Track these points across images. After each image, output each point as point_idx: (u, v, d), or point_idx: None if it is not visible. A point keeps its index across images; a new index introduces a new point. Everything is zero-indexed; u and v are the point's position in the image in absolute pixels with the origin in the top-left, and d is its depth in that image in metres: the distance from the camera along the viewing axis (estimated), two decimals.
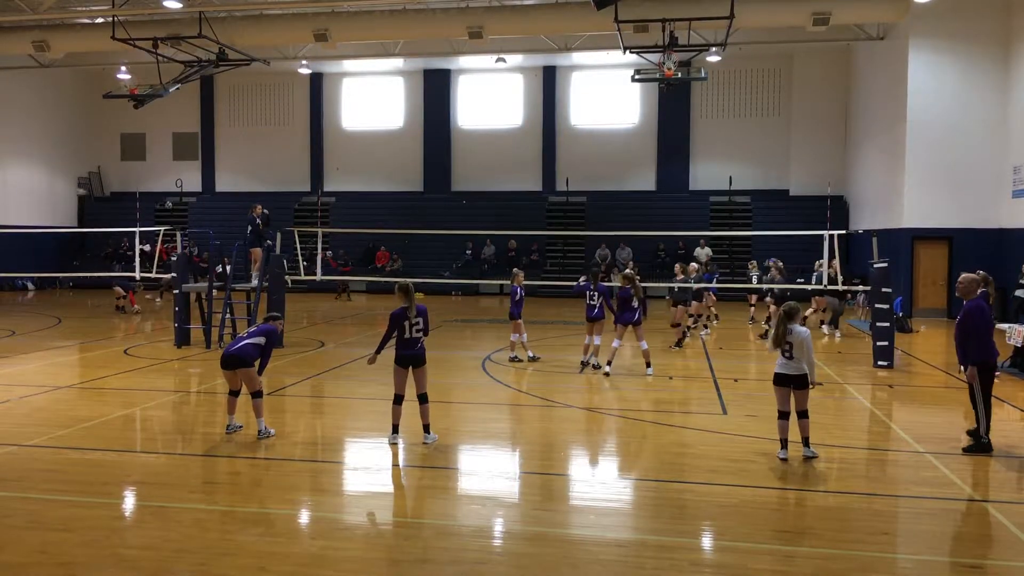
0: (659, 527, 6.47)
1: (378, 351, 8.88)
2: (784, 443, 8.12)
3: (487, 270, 31.03)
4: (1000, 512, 6.81)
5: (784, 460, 8.00)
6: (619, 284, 13.53)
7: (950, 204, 22.04)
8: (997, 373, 13.07)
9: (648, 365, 13.19)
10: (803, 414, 8.12)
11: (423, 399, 8.81)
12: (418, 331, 8.73)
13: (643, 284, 16.35)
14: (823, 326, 19.07)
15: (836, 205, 28.27)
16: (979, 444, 8.67)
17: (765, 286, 20.36)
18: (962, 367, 8.87)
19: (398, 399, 8.79)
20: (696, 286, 17.23)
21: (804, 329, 8.00)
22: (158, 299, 27.01)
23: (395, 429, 8.83)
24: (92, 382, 12.63)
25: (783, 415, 8.13)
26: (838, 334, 18.73)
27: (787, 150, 31.97)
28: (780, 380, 8.10)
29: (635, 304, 13.06)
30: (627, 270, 13.82)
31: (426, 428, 8.85)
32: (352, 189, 35.15)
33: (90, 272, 27.73)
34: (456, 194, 34.13)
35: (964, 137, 21.87)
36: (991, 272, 13.61)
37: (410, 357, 8.70)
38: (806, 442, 8.17)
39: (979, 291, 9.36)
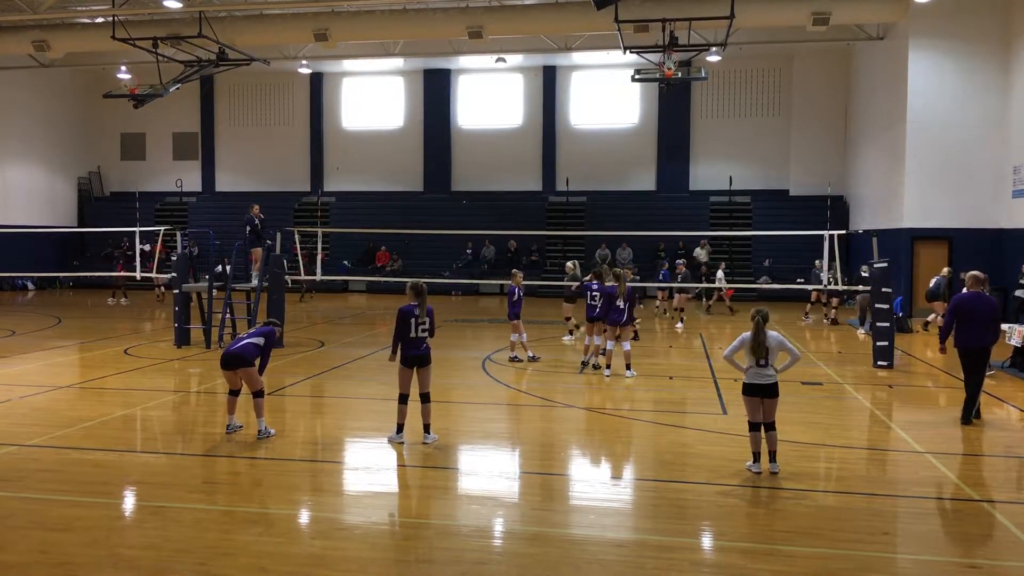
0: (659, 527, 6.47)
1: (395, 349, 8.87)
2: (756, 456, 7.77)
3: (487, 270, 31.04)
4: (1000, 512, 6.80)
5: (757, 474, 7.67)
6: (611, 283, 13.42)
7: (950, 204, 22.02)
8: (992, 370, 13.28)
9: (628, 367, 13.00)
10: (771, 426, 7.71)
11: (425, 399, 8.83)
12: (424, 331, 8.74)
13: (641, 284, 16.37)
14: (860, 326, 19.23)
15: (836, 205, 28.30)
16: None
17: (676, 285, 20.49)
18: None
19: (403, 398, 8.80)
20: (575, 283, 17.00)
21: (775, 333, 7.78)
22: (110, 300, 26.51)
23: (399, 429, 8.84)
24: (92, 382, 12.62)
25: (755, 426, 7.76)
26: (863, 330, 18.76)
27: (787, 150, 31.96)
28: (751, 390, 7.68)
29: (620, 304, 12.91)
30: (616, 268, 13.65)
31: (426, 428, 8.86)
32: (352, 189, 35.15)
33: (90, 272, 27.69)
34: (456, 194, 34.13)
35: (964, 137, 21.86)
36: (990, 272, 13.67)
37: (415, 357, 8.72)
38: (773, 456, 7.74)
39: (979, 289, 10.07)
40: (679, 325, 20.32)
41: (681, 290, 20.87)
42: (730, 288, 23.86)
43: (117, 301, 25.92)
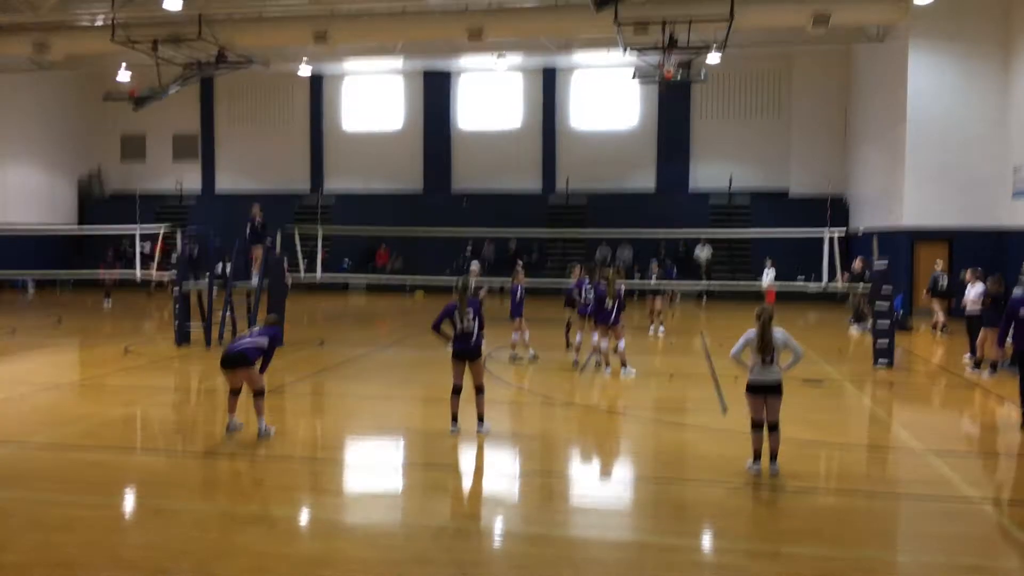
0: (659, 527, 6.47)
1: (445, 339, 9.20)
2: (757, 455, 7.72)
3: (487, 270, 31.01)
4: (1000, 512, 6.81)
5: (757, 473, 7.62)
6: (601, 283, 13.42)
7: (950, 204, 22.01)
8: (995, 372, 13.24)
9: (624, 365, 12.94)
10: (774, 426, 7.69)
11: (479, 390, 9.12)
12: (472, 326, 9.04)
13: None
14: (855, 324, 19.17)
15: (836, 205, 28.24)
16: None
17: (653, 283, 19.74)
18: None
19: (455, 390, 9.11)
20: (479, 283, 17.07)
21: (780, 330, 7.75)
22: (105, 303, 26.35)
23: (454, 419, 9.08)
24: (92, 380, 12.62)
25: (757, 425, 7.72)
26: (857, 327, 18.82)
27: (787, 150, 31.94)
28: (755, 388, 7.64)
29: (608, 305, 12.86)
30: (609, 269, 13.68)
31: (480, 418, 9.08)
32: (352, 190, 35.15)
33: (90, 272, 27.64)
34: (456, 195, 34.14)
35: (964, 137, 21.84)
36: (991, 273, 13.68)
37: (463, 351, 9.10)
38: (774, 456, 7.66)
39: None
40: (651, 330, 18.76)
41: (655, 292, 19.51)
42: (771, 288, 21.95)
43: (109, 303, 25.80)
